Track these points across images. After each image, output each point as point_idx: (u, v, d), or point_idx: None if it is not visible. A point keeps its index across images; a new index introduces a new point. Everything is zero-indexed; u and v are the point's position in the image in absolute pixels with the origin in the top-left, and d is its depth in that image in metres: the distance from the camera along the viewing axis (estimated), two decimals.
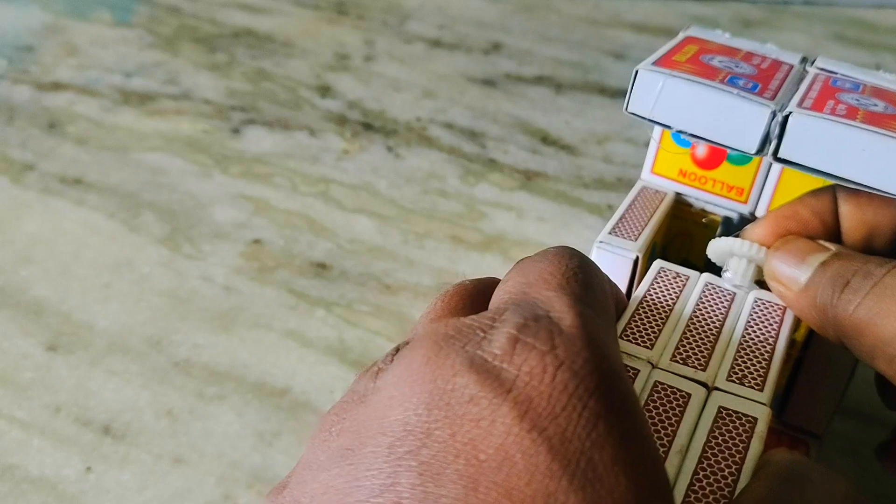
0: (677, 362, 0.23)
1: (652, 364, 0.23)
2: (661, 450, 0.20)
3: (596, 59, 0.55)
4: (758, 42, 0.30)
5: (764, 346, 0.24)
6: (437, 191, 0.45)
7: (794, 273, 0.24)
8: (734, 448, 0.21)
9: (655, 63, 0.26)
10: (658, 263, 0.27)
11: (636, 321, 0.24)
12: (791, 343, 0.26)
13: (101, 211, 0.43)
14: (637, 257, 0.28)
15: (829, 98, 0.26)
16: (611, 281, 0.23)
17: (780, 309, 0.25)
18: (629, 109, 0.26)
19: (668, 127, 0.26)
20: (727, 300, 0.25)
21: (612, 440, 0.14)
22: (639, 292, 0.25)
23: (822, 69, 0.29)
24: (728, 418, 0.22)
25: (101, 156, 0.47)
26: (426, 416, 0.15)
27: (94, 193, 0.44)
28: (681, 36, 0.30)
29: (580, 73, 0.54)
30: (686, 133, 0.26)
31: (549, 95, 0.53)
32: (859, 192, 0.25)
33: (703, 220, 0.32)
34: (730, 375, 0.23)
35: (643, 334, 0.24)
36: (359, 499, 0.14)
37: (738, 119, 0.25)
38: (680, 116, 0.26)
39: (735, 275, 0.26)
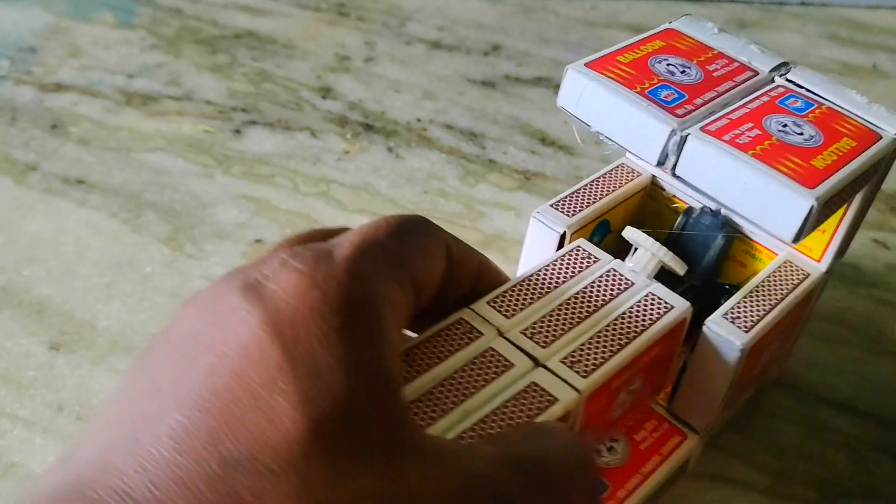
0: (525, 335, 0.24)
1: (499, 332, 0.23)
2: (451, 405, 0.21)
3: None
4: (743, 41, 0.31)
5: (622, 337, 0.24)
6: (437, 191, 0.46)
7: None
8: (518, 417, 0.21)
9: (593, 62, 0.28)
10: (577, 242, 0.27)
11: (514, 292, 0.25)
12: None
13: (104, 211, 0.44)
14: (564, 232, 0.29)
15: (751, 120, 0.27)
16: (467, 252, 0.24)
17: (665, 308, 0.26)
18: (559, 103, 0.28)
19: (589, 126, 0.27)
20: (621, 288, 0.26)
21: (340, 350, 0.17)
22: (534, 265, 0.26)
23: (790, 81, 0.29)
24: (533, 394, 0.22)
25: (104, 156, 0.47)
26: (198, 323, 0.18)
27: (96, 194, 0.45)
28: (662, 27, 0.31)
29: None
30: (602, 135, 0.27)
31: (547, 96, 0.53)
32: None
33: (673, 205, 0.32)
34: (566, 358, 0.23)
35: (511, 304, 0.25)
36: (133, 388, 0.18)
37: (643, 131, 0.26)
38: (598, 118, 0.27)
39: (636, 264, 0.27)
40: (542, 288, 0.26)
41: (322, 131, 0.49)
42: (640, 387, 0.27)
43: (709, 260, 0.31)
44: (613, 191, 0.32)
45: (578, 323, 0.25)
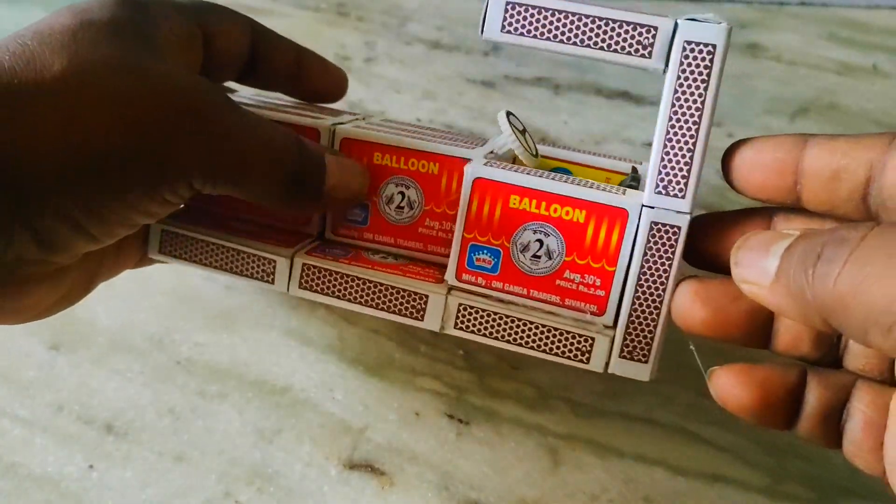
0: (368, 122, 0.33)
1: (356, 116, 0.33)
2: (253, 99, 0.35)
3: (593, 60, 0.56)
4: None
5: (413, 141, 0.31)
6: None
7: (760, 267, 0.22)
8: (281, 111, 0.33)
9: None
10: (506, 111, 0.31)
11: (410, 126, 0.34)
12: None
13: None
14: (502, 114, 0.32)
15: None
16: (281, 39, 0.33)
17: (463, 152, 0.30)
18: None
19: None
20: (468, 141, 0.32)
21: (116, 9, 0.26)
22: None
23: None
24: (309, 114, 0.32)
25: None
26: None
27: None
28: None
29: (577, 74, 0.55)
30: None
31: (547, 96, 0.53)
32: (833, 137, 0.25)
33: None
34: (354, 122, 0.32)
35: (392, 123, 0.34)
36: None
37: None
38: None
39: (493, 144, 0.31)
40: (432, 131, 0.33)
41: None
42: (420, 201, 0.31)
43: None
44: (585, 153, 0.34)
45: (404, 133, 0.31)
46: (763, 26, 0.56)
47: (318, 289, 0.31)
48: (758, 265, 0.22)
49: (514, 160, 0.30)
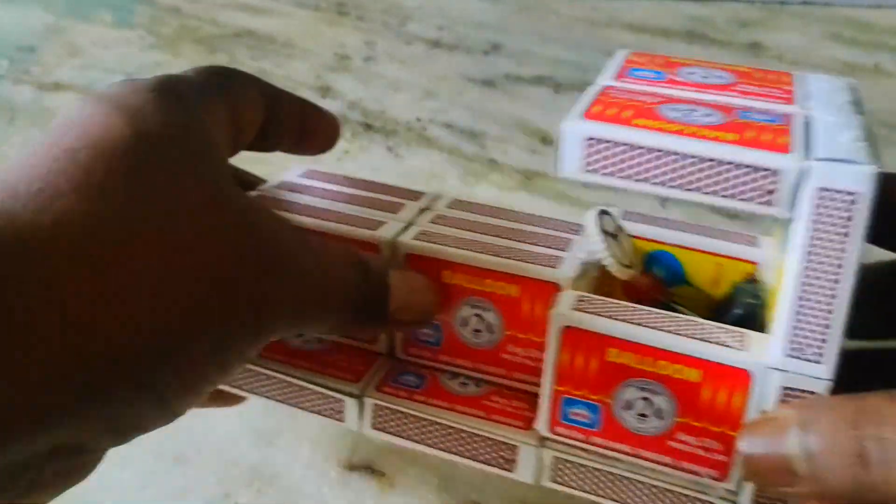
0: (446, 208, 0.30)
1: (424, 208, 0.30)
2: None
3: (594, 58, 0.55)
4: (846, 100, 0.25)
5: (486, 254, 0.26)
6: (437, 191, 0.45)
7: (782, 469, 0.20)
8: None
9: (642, 59, 0.28)
10: (599, 211, 0.27)
11: (478, 207, 0.30)
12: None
13: None
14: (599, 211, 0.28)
15: (663, 98, 0.24)
16: (289, 97, 0.30)
17: (548, 263, 0.25)
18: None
19: None
20: (551, 245, 0.27)
21: (160, 100, 0.22)
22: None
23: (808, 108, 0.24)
24: (373, 220, 0.28)
25: None
26: (65, 117, 0.22)
27: None
28: (788, 73, 0.27)
29: (579, 72, 0.55)
30: None
31: (548, 95, 0.53)
32: None
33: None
34: (423, 234, 0.28)
35: (467, 206, 0.30)
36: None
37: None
38: None
39: (580, 248, 0.26)
40: (510, 216, 0.29)
41: None
42: (500, 325, 0.26)
43: (732, 319, 0.26)
44: (692, 231, 0.29)
45: (480, 232, 0.27)
46: (765, 25, 0.56)
47: (393, 430, 0.28)
48: (778, 466, 0.21)
49: (604, 270, 0.26)
